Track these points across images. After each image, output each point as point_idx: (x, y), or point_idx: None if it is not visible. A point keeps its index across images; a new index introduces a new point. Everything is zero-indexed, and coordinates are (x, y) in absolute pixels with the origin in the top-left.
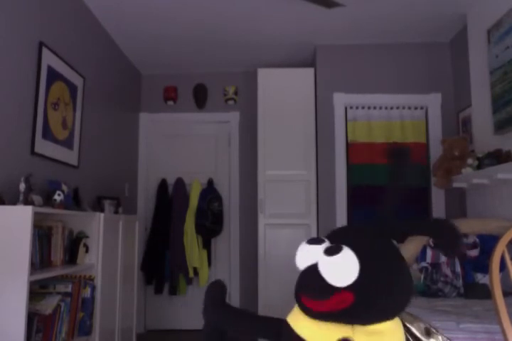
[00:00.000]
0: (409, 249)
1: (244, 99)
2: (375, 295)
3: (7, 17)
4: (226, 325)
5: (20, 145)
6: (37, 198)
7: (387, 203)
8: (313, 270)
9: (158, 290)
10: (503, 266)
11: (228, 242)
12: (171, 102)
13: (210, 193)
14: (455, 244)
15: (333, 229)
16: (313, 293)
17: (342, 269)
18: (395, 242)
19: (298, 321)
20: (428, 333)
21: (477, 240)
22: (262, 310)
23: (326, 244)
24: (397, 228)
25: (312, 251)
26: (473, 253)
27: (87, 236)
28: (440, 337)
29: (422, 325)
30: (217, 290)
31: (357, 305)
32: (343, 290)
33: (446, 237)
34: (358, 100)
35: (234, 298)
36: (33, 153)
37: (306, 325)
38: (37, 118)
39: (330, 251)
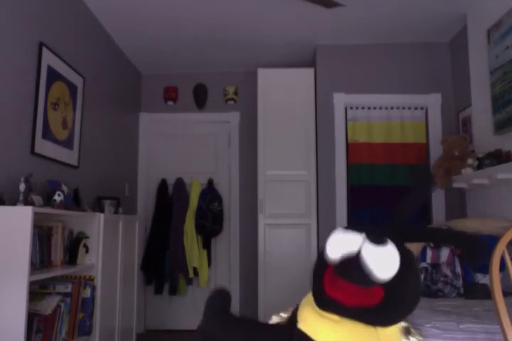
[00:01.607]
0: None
1: (244, 99)
2: (403, 293)
3: (7, 17)
4: (231, 338)
5: (20, 145)
6: (37, 198)
7: (405, 207)
8: (355, 257)
9: (158, 290)
10: (503, 266)
11: (228, 242)
12: (171, 102)
13: (210, 193)
14: (481, 258)
15: (351, 224)
16: (357, 278)
17: (388, 262)
18: None
19: (319, 330)
20: (408, 332)
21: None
22: (262, 310)
23: (364, 235)
24: (421, 235)
25: (353, 238)
26: None
27: (87, 237)
28: (418, 338)
29: (404, 324)
30: (220, 299)
31: (385, 303)
32: (376, 285)
33: (475, 254)
34: (358, 100)
35: (234, 298)
36: (33, 153)
37: (330, 335)
38: (37, 118)
39: (377, 241)
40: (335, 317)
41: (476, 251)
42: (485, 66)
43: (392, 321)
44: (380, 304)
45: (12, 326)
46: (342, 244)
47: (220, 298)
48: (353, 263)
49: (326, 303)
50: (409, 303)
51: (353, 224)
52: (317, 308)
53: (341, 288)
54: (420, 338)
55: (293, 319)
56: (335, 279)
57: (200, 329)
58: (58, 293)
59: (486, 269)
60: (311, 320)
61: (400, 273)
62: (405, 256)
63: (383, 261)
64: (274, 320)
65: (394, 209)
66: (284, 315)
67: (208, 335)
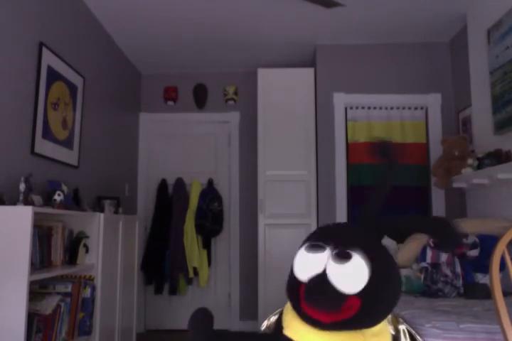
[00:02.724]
0: (410, 248)
1: (244, 99)
2: (380, 298)
3: (7, 17)
4: None
5: (20, 145)
6: (37, 198)
7: (374, 202)
8: (320, 280)
9: (158, 290)
10: (503, 265)
11: (228, 242)
12: (171, 102)
13: (210, 193)
14: (453, 241)
15: (321, 227)
16: (327, 305)
17: (354, 276)
18: (391, 242)
19: (303, 335)
20: (395, 321)
21: (477, 240)
22: (262, 310)
23: (328, 250)
24: (391, 225)
25: (316, 260)
26: (473, 253)
27: (87, 237)
28: (404, 327)
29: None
30: (204, 319)
31: (364, 310)
32: (350, 296)
33: (444, 235)
34: (358, 100)
35: (234, 298)
36: (33, 153)
37: (313, 338)
38: (37, 119)
39: (340, 259)
40: None
41: (448, 234)
42: (485, 66)
43: (375, 323)
44: (358, 313)
45: (12, 326)
46: (307, 265)
47: (202, 318)
48: (318, 287)
49: (305, 319)
50: (387, 304)
51: (324, 228)
52: None
53: (316, 309)
54: (408, 327)
55: (279, 325)
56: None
57: None
58: (58, 293)
59: (486, 269)
60: (295, 325)
61: (374, 279)
62: (379, 259)
63: (347, 277)
64: (265, 324)
65: (364, 207)
66: (273, 318)
67: None
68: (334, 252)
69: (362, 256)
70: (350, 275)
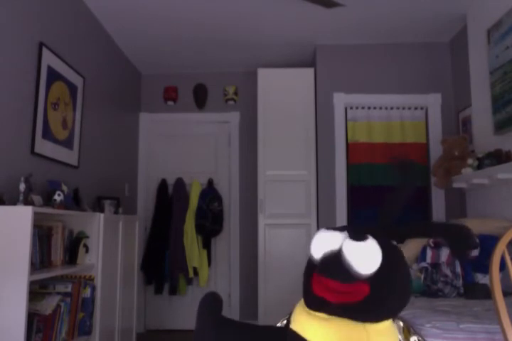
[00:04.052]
0: (410, 248)
1: (244, 99)
2: (388, 289)
3: (7, 17)
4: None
5: (20, 145)
6: (37, 198)
7: (391, 206)
8: (335, 255)
9: (158, 290)
10: (503, 266)
11: (228, 242)
12: (171, 102)
13: (210, 193)
14: (469, 248)
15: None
16: (339, 276)
17: (368, 256)
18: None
19: (307, 328)
20: (407, 332)
21: (477, 240)
22: (262, 310)
23: (345, 233)
24: (408, 231)
25: (334, 237)
26: (473, 253)
27: (87, 237)
28: (416, 338)
29: (401, 324)
30: (212, 304)
31: (371, 299)
32: (359, 281)
33: (461, 242)
34: (358, 100)
35: (234, 298)
36: (33, 153)
37: (318, 332)
38: (37, 119)
39: (357, 237)
40: (323, 315)
41: (463, 241)
42: (485, 66)
43: (380, 317)
44: (365, 300)
45: (12, 326)
46: (324, 243)
47: (211, 301)
48: (333, 260)
49: (313, 302)
50: (395, 299)
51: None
52: (307, 308)
53: (326, 286)
54: (419, 337)
55: (288, 321)
56: (320, 278)
57: (197, 335)
58: (58, 293)
59: (486, 269)
60: (301, 319)
61: (384, 269)
62: (390, 252)
63: (362, 256)
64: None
65: (380, 209)
66: (285, 322)
67: (204, 339)
68: (352, 233)
69: (375, 242)
70: (365, 254)
